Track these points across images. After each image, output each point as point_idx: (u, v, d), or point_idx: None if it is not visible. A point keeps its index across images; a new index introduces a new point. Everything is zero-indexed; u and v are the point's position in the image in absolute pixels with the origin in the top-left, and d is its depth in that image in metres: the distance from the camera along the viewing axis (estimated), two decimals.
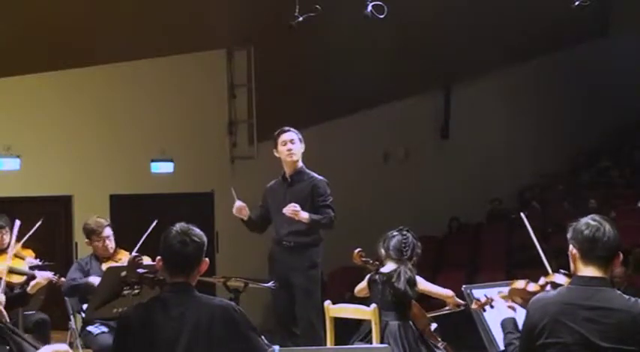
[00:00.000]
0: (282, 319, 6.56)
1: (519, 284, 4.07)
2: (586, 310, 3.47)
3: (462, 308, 5.32)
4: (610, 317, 3.45)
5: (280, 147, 6.51)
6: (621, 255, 3.59)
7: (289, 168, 6.55)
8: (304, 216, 6.28)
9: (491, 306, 4.21)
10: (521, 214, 5.16)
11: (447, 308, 5.79)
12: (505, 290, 4.16)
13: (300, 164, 6.56)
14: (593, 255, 3.54)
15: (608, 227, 3.56)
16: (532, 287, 4.01)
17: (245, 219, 6.58)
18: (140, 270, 5.31)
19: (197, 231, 3.70)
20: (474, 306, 4.37)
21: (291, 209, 6.24)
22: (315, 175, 6.56)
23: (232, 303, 3.75)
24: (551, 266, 4.40)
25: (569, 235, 3.63)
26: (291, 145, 6.46)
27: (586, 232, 3.55)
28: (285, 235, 6.45)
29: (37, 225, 6.64)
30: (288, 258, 6.43)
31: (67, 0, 9.44)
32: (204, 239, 3.71)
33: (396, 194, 14.34)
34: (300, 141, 6.53)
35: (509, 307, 4.01)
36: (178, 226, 3.69)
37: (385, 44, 12.67)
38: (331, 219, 6.40)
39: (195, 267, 3.67)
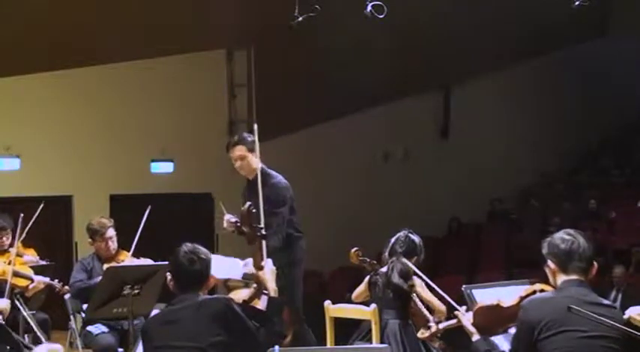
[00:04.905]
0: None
1: (490, 301, 4.07)
2: (589, 305, 3.61)
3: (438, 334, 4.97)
4: (611, 312, 3.64)
5: (233, 161, 6.23)
6: (596, 265, 3.77)
7: (248, 175, 6.26)
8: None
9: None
10: (404, 259, 5.36)
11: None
12: (507, 292, 4.17)
13: (259, 166, 6.05)
14: (571, 266, 3.72)
15: (582, 240, 3.75)
16: (507, 303, 4.01)
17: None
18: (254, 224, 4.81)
19: (202, 249, 3.99)
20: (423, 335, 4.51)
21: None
22: (276, 179, 6.18)
23: (227, 297, 4.02)
24: None
25: (544, 251, 3.80)
26: (240, 162, 6.19)
27: (562, 246, 3.74)
28: None
29: (37, 212, 6.60)
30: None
31: (67, 0, 9.44)
32: (210, 256, 4.01)
33: (396, 194, 14.33)
34: (252, 151, 6.09)
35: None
36: (185, 247, 3.97)
37: (385, 44, 12.66)
38: (279, 239, 5.90)
39: (203, 283, 3.95)
